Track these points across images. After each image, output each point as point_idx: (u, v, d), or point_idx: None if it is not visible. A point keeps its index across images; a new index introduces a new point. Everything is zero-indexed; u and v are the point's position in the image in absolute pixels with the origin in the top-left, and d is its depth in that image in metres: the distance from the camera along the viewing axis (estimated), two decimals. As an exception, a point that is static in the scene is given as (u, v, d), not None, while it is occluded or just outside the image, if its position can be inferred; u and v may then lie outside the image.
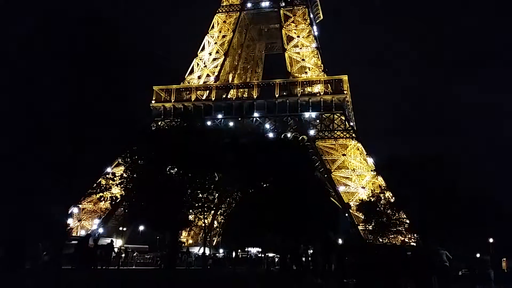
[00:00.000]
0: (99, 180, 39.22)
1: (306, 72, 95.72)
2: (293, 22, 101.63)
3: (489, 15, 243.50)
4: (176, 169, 39.00)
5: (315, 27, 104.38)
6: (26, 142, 29.29)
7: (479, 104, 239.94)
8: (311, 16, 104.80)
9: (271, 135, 72.02)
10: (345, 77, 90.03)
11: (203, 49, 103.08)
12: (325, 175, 79.67)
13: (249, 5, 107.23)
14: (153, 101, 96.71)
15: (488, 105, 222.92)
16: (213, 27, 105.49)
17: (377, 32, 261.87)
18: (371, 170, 79.31)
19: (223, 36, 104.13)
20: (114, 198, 36.91)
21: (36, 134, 29.84)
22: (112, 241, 40.60)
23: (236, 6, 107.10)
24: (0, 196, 28.21)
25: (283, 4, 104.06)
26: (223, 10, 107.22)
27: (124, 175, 37.84)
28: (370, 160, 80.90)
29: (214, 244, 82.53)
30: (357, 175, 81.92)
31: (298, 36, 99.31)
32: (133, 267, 36.36)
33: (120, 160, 40.21)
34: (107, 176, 38.35)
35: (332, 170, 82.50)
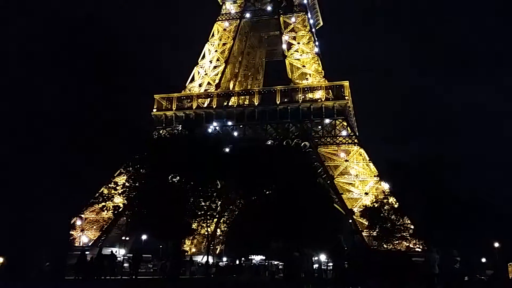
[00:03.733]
0: (101, 189, 39.20)
1: (307, 79, 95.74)
2: (293, 29, 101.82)
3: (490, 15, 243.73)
4: (178, 177, 38.91)
5: (315, 33, 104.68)
6: (28, 151, 29.20)
7: (479, 104, 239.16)
8: (311, 22, 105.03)
9: (273, 142, 71.88)
10: (346, 83, 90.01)
11: (203, 57, 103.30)
12: (328, 182, 79.36)
13: (248, 13, 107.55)
14: (154, 110, 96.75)
15: (487, 106, 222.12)
16: (213, 35, 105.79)
17: (378, 36, 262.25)
18: (374, 176, 79.00)
19: (224, 44, 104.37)
20: (116, 207, 36.86)
21: (37, 143, 29.75)
22: (112, 251, 40.39)
23: (236, 14, 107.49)
24: (1, 204, 28.10)
25: (283, 11, 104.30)
26: (223, 18, 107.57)
27: (126, 184, 37.78)
28: (373, 166, 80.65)
29: (217, 252, 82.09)
30: (360, 181, 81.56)
31: (298, 43, 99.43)
32: (136, 277, 35.98)
33: (122, 169, 40.13)
34: (109, 185, 38.33)
35: (335, 177, 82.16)
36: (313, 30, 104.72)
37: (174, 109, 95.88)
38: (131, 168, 38.54)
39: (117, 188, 37.19)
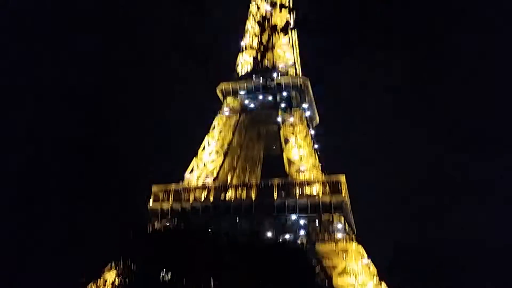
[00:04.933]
0: (89, 286, 37.55)
1: (304, 173, 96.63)
2: (290, 124, 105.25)
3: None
4: (170, 274, 37.45)
5: (312, 128, 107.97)
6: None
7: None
8: (308, 118, 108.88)
9: (269, 237, 70.45)
10: (343, 178, 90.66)
11: (203, 149, 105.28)
12: (326, 282, 76.23)
13: (249, 108, 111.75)
14: (150, 202, 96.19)
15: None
16: (213, 128, 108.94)
17: (371, 130, 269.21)
18: (374, 275, 76.36)
19: (223, 137, 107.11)
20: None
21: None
22: None
23: (236, 109, 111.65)
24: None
25: (282, 107, 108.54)
26: (224, 113, 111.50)
27: (116, 281, 36.30)
28: (372, 265, 78.28)
29: None
30: (359, 283, 78.32)
31: (296, 138, 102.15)
32: None
33: (113, 263, 38.83)
34: (97, 282, 36.81)
35: (333, 277, 79.11)
36: (310, 126, 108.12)
37: (170, 201, 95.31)
38: (121, 263, 37.30)
39: (106, 286, 35.69)
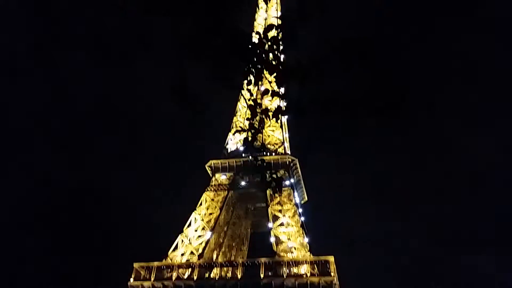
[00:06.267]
0: None
1: (292, 252, 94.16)
2: (279, 202, 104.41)
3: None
4: None
5: (300, 207, 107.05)
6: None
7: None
8: (297, 197, 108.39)
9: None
10: (331, 258, 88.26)
11: (189, 225, 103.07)
12: None
13: (237, 186, 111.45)
14: (131, 280, 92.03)
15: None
16: (201, 204, 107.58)
17: (362, 210, 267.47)
18: None
19: (210, 214, 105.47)
20: None
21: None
22: None
23: (224, 186, 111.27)
24: None
25: (270, 186, 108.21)
26: (212, 189, 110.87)
27: None
28: None
29: None
30: None
31: (284, 216, 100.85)
32: None
33: None
34: None
35: None
36: (299, 204, 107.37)
37: (152, 279, 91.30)
38: None
39: None
